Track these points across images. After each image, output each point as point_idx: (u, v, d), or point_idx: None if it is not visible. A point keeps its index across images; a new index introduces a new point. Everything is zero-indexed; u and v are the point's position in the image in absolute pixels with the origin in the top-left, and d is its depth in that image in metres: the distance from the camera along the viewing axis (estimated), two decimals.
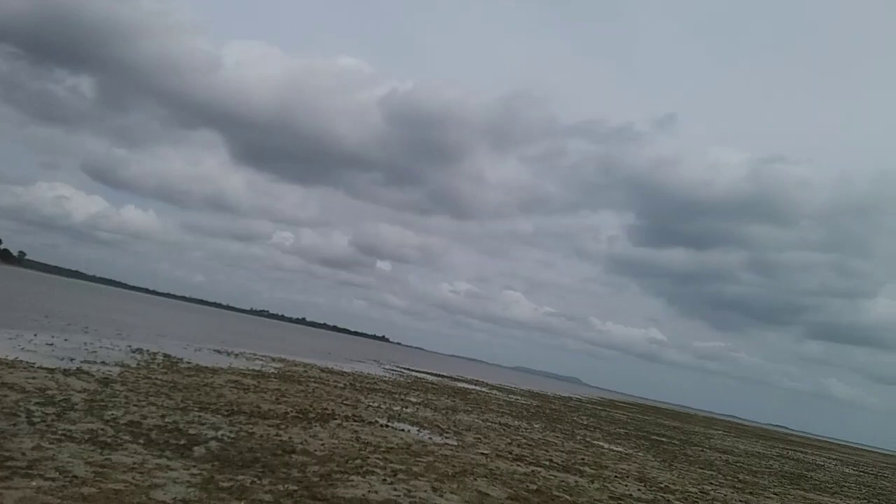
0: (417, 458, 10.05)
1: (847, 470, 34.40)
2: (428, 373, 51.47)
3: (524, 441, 15.67)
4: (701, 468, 18.11)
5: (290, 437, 9.85)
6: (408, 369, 50.34)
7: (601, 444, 19.68)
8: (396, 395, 21.99)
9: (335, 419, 12.90)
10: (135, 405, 10.07)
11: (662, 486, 12.60)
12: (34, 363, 12.58)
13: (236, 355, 26.87)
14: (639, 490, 11.47)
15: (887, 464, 61.09)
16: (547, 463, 12.61)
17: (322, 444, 9.71)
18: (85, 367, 13.70)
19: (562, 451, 15.12)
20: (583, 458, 14.49)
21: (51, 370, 12.11)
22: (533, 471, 11.09)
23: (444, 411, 19.54)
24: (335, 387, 20.50)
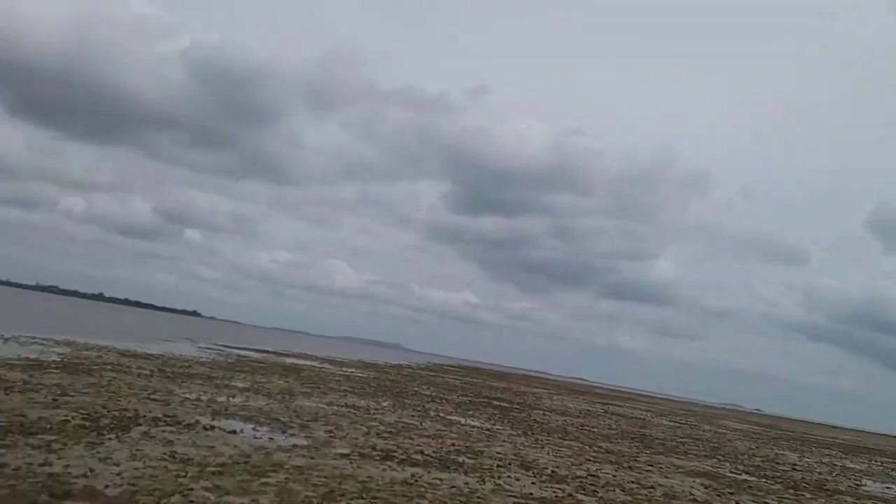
0: (263, 479, 7.24)
1: (665, 422, 36.46)
2: (251, 349, 47.21)
3: (382, 428, 13.30)
4: (561, 438, 17.03)
5: (66, 467, 6.55)
6: (227, 346, 45.67)
7: (457, 418, 17.93)
8: (219, 381, 18.51)
9: (139, 425, 9.55)
10: None
11: (549, 472, 10.91)
12: None
13: (5, 340, 21.45)
14: (533, 483, 9.62)
15: (682, 410, 67.76)
16: (420, 458, 10.34)
17: (118, 475, 6.53)
18: None
19: (427, 437, 12.97)
20: (453, 444, 12.45)
21: None
22: (412, 475, 8.74)
23: (279, 397, 16.56)
24: (139, 375, 16.60)
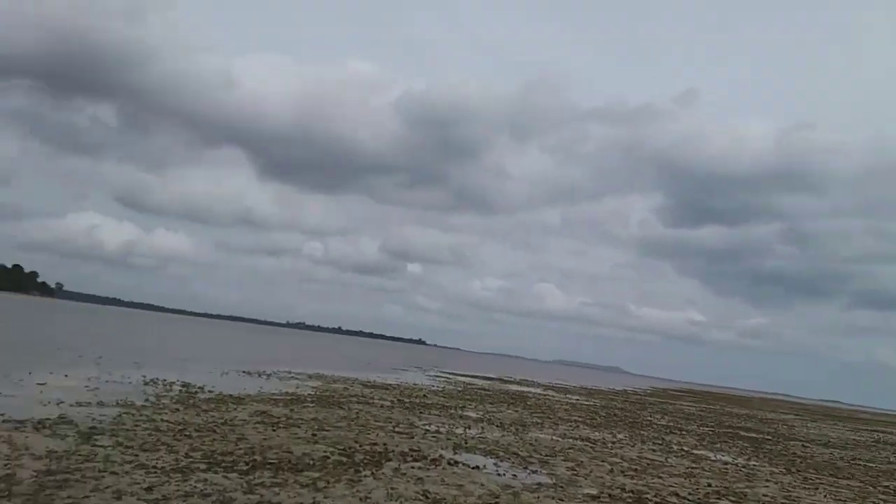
0: None
1: None
2: (474, 376, 48.40)
3: (625, 465, 12.44)
4: (833, 476, 14.68)
5: None
6: (453, 374, 47.30)
7: (704, 453, 16.36)
8: (452, 411, 18.91)
9: (389, 460, 9.85)
10: (114, 472, 7.13)
11: None
12: (2, 415, 9.77)
13: (268, 376, 24.08)
14: None
15: None
16: (676, 501, 9.39)
17: None
18: (72, 412, 10.87)
19: (677, 476, 11.86)
20: (708, 484, 11.22)
21: (18, 423, 9.28)
22: None
23: (512, 428, 16.40)
24: (382, 406, 17.50)
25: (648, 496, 9.48)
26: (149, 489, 6.68)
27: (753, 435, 25.07)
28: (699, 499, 9.79)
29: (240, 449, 9.35)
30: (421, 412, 17.41)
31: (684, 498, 9.69)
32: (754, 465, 14.99)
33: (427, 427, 14.35)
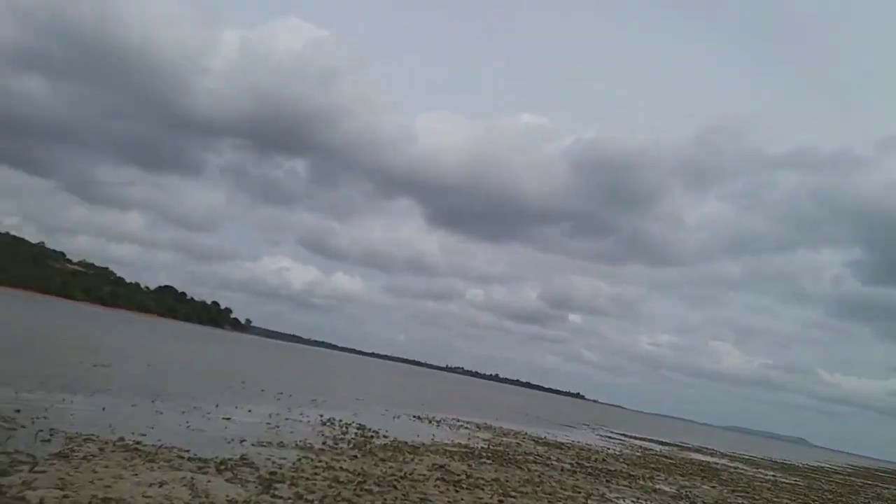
0: None
1: None
2: (648, 439, 44.63)
3: None
4: None
5: None
6: (625, 435, 43.92)
7: None
8: (642, 482, 16.72)
9: None
10: None
11: None
12: (186, 452, 9.53)
13: (438, 423, 23.26)
14: None
15: None
16: None
17: None
18: (253, 453, 10.49)
19: None
20: None
21: (202, 463, 8.93)
22: None
23: None
24: (563, 471, 15.81)
25: None
26: None
27: None
28: None
29: None
30: (608, 481, 15.49)
31: None
32: None
33: (621, 502, 12.49)
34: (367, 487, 9.23)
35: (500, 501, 10.07)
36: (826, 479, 38.20)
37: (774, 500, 18.73)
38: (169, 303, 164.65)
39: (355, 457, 11.88)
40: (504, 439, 21.35)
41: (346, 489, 8.88)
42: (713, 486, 19.08)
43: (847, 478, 45.07)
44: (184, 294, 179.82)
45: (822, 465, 64.28)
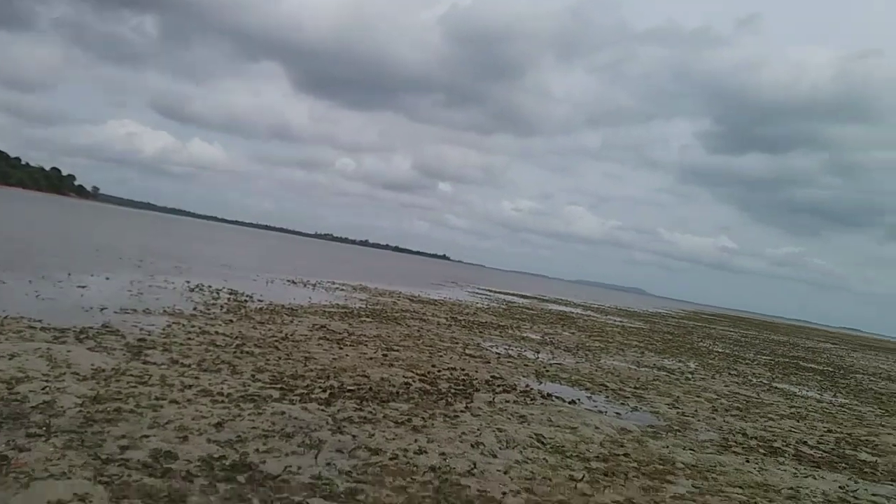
0: (668, 487, 5.64)
1: None
2: (511, 293, 47.47)
3: (724, 402, 11.16)
4: None
5: (444, 457, 5.54)
6: (490, 291, 46.38)
7: (786, 386, 15.08)
8: (511, 331, 17.74)
9: (477, 390, 8.61)
10: (174, 401, 5.92)
11: None
12: (38, 322, 8.63)
13: (313, 286, 23.08)
14: None
15: None
16: (812, 453, 8.07)
17: (506, 472, 5.35)
18: (116, 321, 9.74)
19: (784, 417, 10.56)
20: (827, 429, 9.90)
21: (59, 332, 8.13)
22: (840, 486, 6.55)
23: (580, 353, 15.18)
24: (439, 325, 16.35)
25: (777, 444, 8.18)
26: (218, 425, 5.46)
27: (814, 366, 23.76)
28: (832, 448, 8.46)
29: (311, 371, 8.15)
30: (480, 332, 16.24)
31: (817, 448, 8.37)
32: (850, 405, 13.66)
33: (495, 350, 13.15)
34: (247, 350, 8.91)
35: (385, 355, 10.17)
36: (664, 322, 42.93)
37: (625, 342, 20.68)
38: None
39: (231, 321, 11.44)
40: (380, 299, 21.65)
41: (224, 352, 8.51)
42: (573, 333, 20.69)
43: (680, 321, 50.96)
44: (18, 159, 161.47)
45: (660, 311, 72.14)
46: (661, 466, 6.18)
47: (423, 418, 6.64)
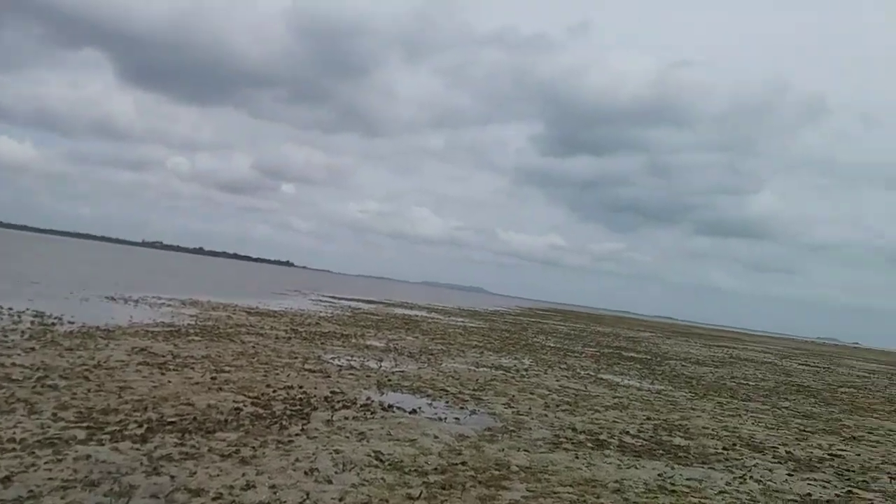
0: (504, 493, 5.74)
1: (797, 365, 33.42)
2: (356, 299, 47.12)
3: (556, 398, 11.74)
4: (731, 397, 15.00)
5: (274, 490, 5.22)
6: (335, 298, 45.71)
7: (610, 377, 16.23)
8: (354, 340, 17.49)
9: (315, 409, 8.30)
10: None
11: (785, 453, 9.02)
12: None
13: (136, 302, 21.25)
14: (789, 475, 7.75)
15: (797, 350, 63.50)
16: (634, 442, 8.68)
17: (341, 500, 5.14)
18: None
19: (610, 408, 11.31)
20: (647, 417, 10.73)
21: None
22: (659, 474, 7.07)
23: (423, 358, 15.30)
24: (278, 339, 15.70)
25: (603, 437, 8.70)
26: (6, 480, 4.73)
27: (634, 355, 25.89)
28: (652, 437, 9.16)
29: (126, 404, 7.39)
30: (322, 343, 15.83)
31: (637, 437, 9.01)
32: (665, 391, 14.97)
33: (337, 362, 12.84)
34: (49, 383, 7.91)
35: (213, 378, 9.52)
36: (502, 320, 44.80)
37: (466, 342, 21.22)
38: None
39: (32, 349, 10.14)
40: (213, 313, 20.43)
41: (21, 388, 7.48)
42: (416, 337, 20.86)
43: (517, 318, 53.48)
44: None
45: (499, 309, 75.31)
46: (497, 472, 6.29)
47: (253, 448, 6.24)
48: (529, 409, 10.19)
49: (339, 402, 8.85)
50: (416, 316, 34.77)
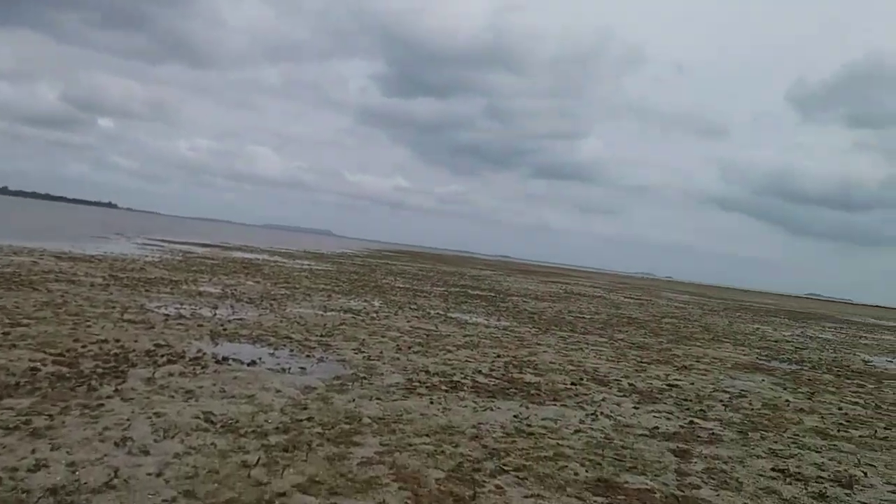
0: (357, 450, 5.17)
1: (623, 298, 36.17)
2: (190, 243, 43.91)
3: (407, 340, 11.36)
4: (572, 331, 15.64)
5: (72, 468, 4.24)
6: (165, 241, 42.21)
7: (460, 315, 16.25)
8: (186, 287, 15.94)
9: (133, 365, 7.17)
10: None
11: (629, 385, 9.33)
12: None
13: None
14: (636, 407, 7.96)
15: (621, 284, 69.32)
16: (488, 382, 8.50)
17: (159, 474, 4.28)
18: None
19: (462, 347, 11.14)
20: (497, 355, 10.68)
21: None
22: (515, 415, 6.88)
23: (265, 304, 14.26)
24: (93, 286, 13.85)
25: (457, 378, 8.43)
26: None
27: (480, 293, 26.44)
28: (504, 375, 9.05)
29: None
30: (147, 290, 14.20)
31: (492, 376, 8.85)
32: (511, 327, 15.21)
33: (165, 311, 11.49)
34: None
35: (6, 334, 7.97)
36: (350, 262, 44.01)
37: (313, 286, 20.29)
38: None
39: None
40: (14, 259, 17.71)
41: None
42: (257, 282, 19.58)
43: (366, 259, 52.92)
44: None
45: (347, 251, 74.30)
46: (348, 426, 5.71)
47: (49, 416, 5.14)
48: (381, 353, 9.70)
49: (163, 356, 7.76)
50: (258, 259, 33.00)
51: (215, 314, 11.81)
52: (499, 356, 10.57)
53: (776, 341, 19.52)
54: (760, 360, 14.31)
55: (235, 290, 16.48)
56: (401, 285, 25.54)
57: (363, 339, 10.71)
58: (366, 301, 17.40)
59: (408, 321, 13.99)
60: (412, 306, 17.41)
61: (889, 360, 17.90)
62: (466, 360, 9.82)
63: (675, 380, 10.15)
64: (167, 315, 11.01)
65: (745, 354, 14.95)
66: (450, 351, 10.56)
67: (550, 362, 10.53)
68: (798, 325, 30.81)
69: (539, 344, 12.66)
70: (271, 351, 8.97)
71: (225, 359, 8.02)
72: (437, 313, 16.34)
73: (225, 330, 10.16)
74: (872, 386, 11.92)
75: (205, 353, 8.19)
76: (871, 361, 16.78)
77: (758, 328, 24.69)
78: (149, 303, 12.25)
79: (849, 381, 12.22)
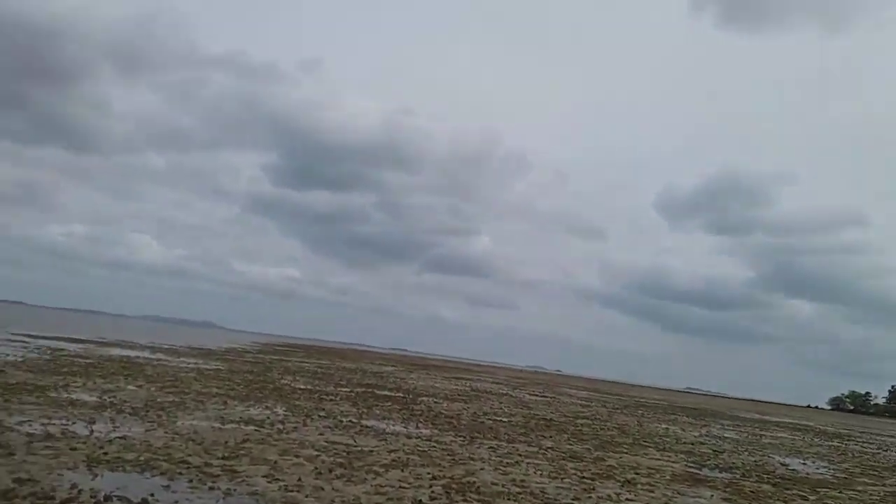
0: None
1: (530, 396, 35.60)
2: (59, 338, 39.56)
3: (326, 459, 9.88)
4: (496, 439, 14.61)
5: None
6: (30, 336, 37.73)
7: (376, 424, 14.80)
8: (56, 395, 13.62)
9: None
10: None
11: None
12: None
13: None
14: None
15: (518, 379, 69.14)
16: None
17: None
18: None
19: (389, 467, 9.78)
20: (432, 477, 9.42)
21: None
22: None
23: (151, 416, 12.28)
24: None
25: None
26: None
27: (388, 394, 24.97)
28: (446, 502, 7.82)
29: None
30: (6, 400, 11.89)
31: None
32: (434, 436, 13.94)
33: (30, 429, 9.43)
34: None
35: None
36: (241, 359, 41.03)
37: (204, 390, 18.17)
38: None
39: None
40: None
41: None
42: (140, 386, 17.27)
43: (257, 356, 49.75)
44: None
45: (234, 345, 70.00)
46: None
47: None
48: (299, 479, 8.22)
49: (26, 497, 6.00)
50: (139, 358, 29.85)
51: (92, 431, 9.84)
52: (434, 478, 9.31)
53: (692, 444, 19.27)
54: (691, 467, 13.79)
55: (115, 396, 14.28)
56: (302, 386, 23.61)
57: (274, 461, 9.16)
58: (267, 408, 15.60)
59: (320, 433, 12.44)
60: (321, 413, 15.77)
61: (802, 462, 17.99)
62: (401, 486, 8.51)
63: (628, 500, 9.26)
64: (31, 433, 9.00)
65: (673, 462, 14.40)
66: (378, 474, 9.19)
67: (492, 483, 9.38)
68: (699, 423, 31.20)
69: (472, 458, 11.48)
70: (165, 482, 7.31)
71: (107, 498, 6.34)
72: (350, 421, 14.82)
73: (105, 454, 8.32)
74: (814, 498, 11.56)
75: (81, 490, 6.47)
76: (789, 464, 16.74)
77: (667, 428, 24.59)
78: (8, 417, 10.10)
79: (787, 492, 11.82)
